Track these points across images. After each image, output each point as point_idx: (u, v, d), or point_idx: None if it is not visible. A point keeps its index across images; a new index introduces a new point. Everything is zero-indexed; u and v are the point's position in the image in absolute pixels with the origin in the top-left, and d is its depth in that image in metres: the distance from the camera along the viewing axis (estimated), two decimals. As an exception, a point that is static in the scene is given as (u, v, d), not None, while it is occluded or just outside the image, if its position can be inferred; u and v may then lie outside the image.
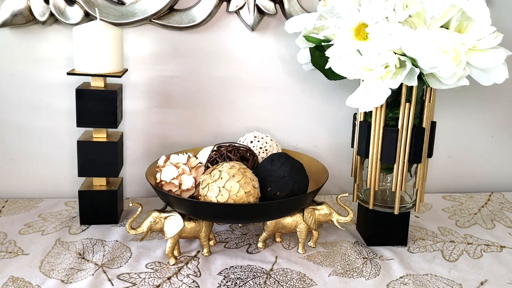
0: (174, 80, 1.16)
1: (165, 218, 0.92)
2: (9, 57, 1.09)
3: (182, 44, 1.14)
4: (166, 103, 1.17)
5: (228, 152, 0.99)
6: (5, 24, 1.04)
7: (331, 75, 0.97)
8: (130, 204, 0.91)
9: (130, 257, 0.93)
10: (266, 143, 1.06)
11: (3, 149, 1.14)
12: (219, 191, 0.89)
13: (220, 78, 1.17)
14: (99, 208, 1.03)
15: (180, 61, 1.15)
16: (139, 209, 0.91)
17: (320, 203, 0.97)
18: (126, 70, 1.04)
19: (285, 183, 0.92)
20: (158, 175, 0.98)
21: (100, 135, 1.03)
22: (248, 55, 1.17)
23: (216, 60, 1.16)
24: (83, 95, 0.98)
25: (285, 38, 1.15)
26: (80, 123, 0.99)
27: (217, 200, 0.88)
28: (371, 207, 0.98)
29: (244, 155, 1.00)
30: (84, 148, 1.01)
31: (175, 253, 0.94)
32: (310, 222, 0.96)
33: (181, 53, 1.14)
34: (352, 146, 1.02)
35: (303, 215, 0.96)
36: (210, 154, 1.02)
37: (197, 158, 1.00)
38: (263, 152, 1.05)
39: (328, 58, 0.88)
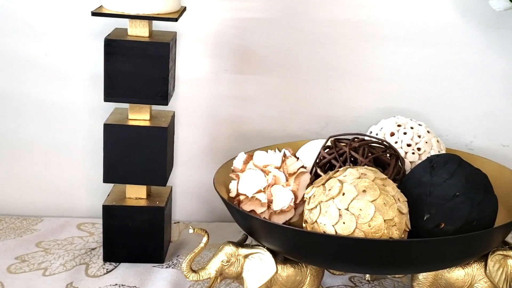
0: (259, 27, 1.19)
1: (246, 257, 0.95)
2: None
3: (275, -34, 1.17)
4: (244, 66, 1.20)
5: (353, 151, 1.00)
6: None
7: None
8: (191, 231, 0.95)
9: (185, 320, 0.98)
10: (419, 137, 1.06)
11: (-17, 134, 1.23)
12: (340, 215, 0.90)
13: (337, 23, 1.18)
14: (135, 236, 1.08)
15: (270, -6, 1.18)
16: (204, 240, 0.95)
17: (518, 247, 0.97)
18: (185, 9, 1.08)
19: (456, 208, 0.92)
20: (233, 185, 1.01)
21: (140, 116, 1.08)
22: (388, -17, 1.18)
23: (332, -7, 1.18)
24: (116, 50, 1.03)
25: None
26: (109, 95, 1.05)
27: (336, 231, 0.90)
28: None
29: (380, 157, 1.01)
30: (115, 136, 1.06)
31: (260, 317, 0.97)
32: (498, 279, 0.95)
33: (273, -19, 1.18)
34: None
35: (485, 265, 0.95)
36: (320, 153, 1.03)
37: (297, 158, 1.03)
38: (413, 153, 1.05)
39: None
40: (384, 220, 0.89)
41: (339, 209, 0.90)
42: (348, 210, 0.90)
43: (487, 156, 1.15)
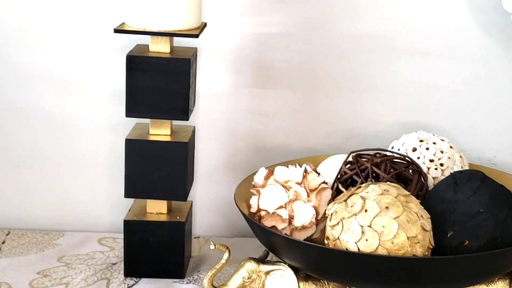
0: (279, 41, 1.19)
1: (267, 273, 0.95)
2: (19, 3, 1.17)
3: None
4: (264, 80, 1.21)
5: (375, 166, 1.00)
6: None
7: None
8: (212, 247, 0.95)
9: (206, 336, 0.97)
10: (442, 152, 1.06)
11: (5, 149, 1.22)
12: (362, 232, 0.90)
13: (358, 37, 1.18)
14: (156, 251, 1.08)
15: (290, 9, 1.18)
16: (225, 256, 0.95)
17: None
18: (205, 25, 1.09)
19: (480, 225, 0.92)
20: (253, 200, 1.01)
21: (160, 131, 1.08)
22: (410, -2, 1.18)
23: (353, 7, 1.17)
24: (138, 66, 1.03)
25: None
26: (131, 110, 1.05)
27: (358, 248, 0.90)
28: None
29: (403, 173, 1.00)
30: (136, 151, 1.06)
31: (281, 334, 0.97)
32: (523, 298, 0.95)
33: (294, -4, 1.18)
34: None
35: (510, 283, 0.95)
36: (342, 168, 1.03)
37: (319, 174, 1.02)
38: (435, 169, 1.05)
39: None
40: (407, 237, 0.89)
41: (362, 226, 0.89)
42: (370, 227, 0.89)
43: (511, 171, 1.15)
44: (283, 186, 1.00)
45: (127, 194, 1.08)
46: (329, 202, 0.98)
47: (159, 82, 1.04)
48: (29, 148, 1.22)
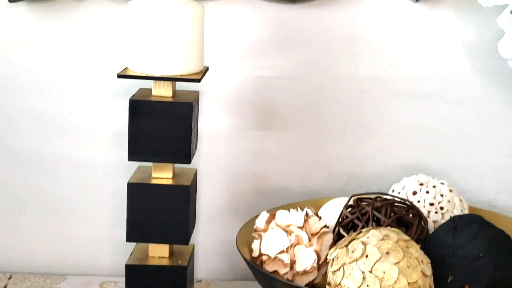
0: (279, 84, 1.20)
1: (269, 319, 0.96)
2: (23, 47, 1.19)
3: (295, 26, 1.18)
4: (265, 122, 1.22)
5: (376, 210, 1.01)
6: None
7: None
8: (213, 294, 0.96)
9: None
10: (442, 196, 1.07)
11: (7, 192, 1.23)
12: (363, 278, 0.90)
13: (356, 80, 1.20)
14: (158, 295, 1.09)
15: (290, 52, 1.19)
16: (227, 303, 0.96)
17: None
18: (207, 69, 1.10)
19: (479, 270, 0.92)
20: (255, 245, 1.02)
21: (163, 174, 1.08)
22: (408, 42, 1.19)
23: (351, 51, 1.19)
24: (141, 110, 1.04)
25: (475, 14, 1.16)
26: (133, 154, 1.05)
27: (360, 294, 0.90)
28: None
29: (403, 217, 1.01)
30: (138, 195, 1.06)
31: None
32: None
33: (293, 41, 1.19)
34: None
35: (511, 328, 0.95)
36: (343, 212, 1.04)
37: (320, 218, 1.03)
38: (436, 213, 1.06)
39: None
40: (408, 283, 0.89)
41: (363, 272, 0.90)
42: (371, 273, 0.89)
43: (511, 213, 1.16)
44: (284, 230, 1.00)
45: (129, 239, 1.08)
46: (331, 246, 0.99)
47: (162, 126, 1.04)
48: (30, 191, 1.23)
